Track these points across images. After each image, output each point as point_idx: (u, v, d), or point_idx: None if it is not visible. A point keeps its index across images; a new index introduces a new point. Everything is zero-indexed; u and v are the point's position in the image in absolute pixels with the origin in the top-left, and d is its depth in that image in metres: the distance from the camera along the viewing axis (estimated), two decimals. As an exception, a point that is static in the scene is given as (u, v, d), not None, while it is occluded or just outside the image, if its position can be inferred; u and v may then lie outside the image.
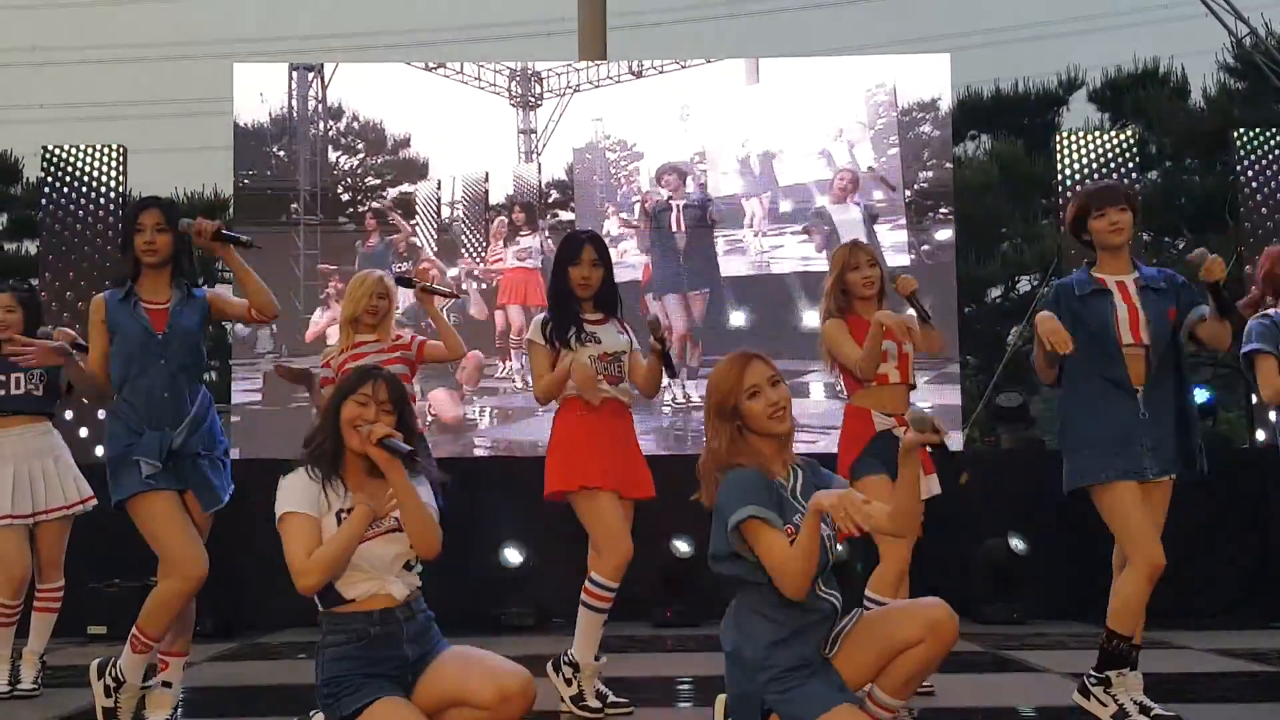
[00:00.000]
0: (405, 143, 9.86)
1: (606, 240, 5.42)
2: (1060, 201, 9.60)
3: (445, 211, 9.85)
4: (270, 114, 9.84)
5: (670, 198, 9.79)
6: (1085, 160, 9.57)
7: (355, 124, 9.92)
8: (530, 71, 10.00)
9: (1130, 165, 9.56)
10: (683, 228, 9.74)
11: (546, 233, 9.76)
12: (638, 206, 9.85)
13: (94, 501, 5.46)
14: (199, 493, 4.24)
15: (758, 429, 3.27)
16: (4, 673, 5.38)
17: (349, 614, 3.31)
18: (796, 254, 9.71)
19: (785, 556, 3.09)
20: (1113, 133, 9.94)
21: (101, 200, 9.41)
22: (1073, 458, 4.38)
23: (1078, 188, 9.50)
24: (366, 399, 3.37)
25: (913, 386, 4.97)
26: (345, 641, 3.30)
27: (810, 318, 9.34)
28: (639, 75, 10.05)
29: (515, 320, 9.53)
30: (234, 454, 9.13)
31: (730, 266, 9.75)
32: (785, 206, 9.75)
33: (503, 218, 9.83)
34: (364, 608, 3.31)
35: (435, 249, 9.79)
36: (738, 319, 9.66)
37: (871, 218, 9.65)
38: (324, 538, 3.30)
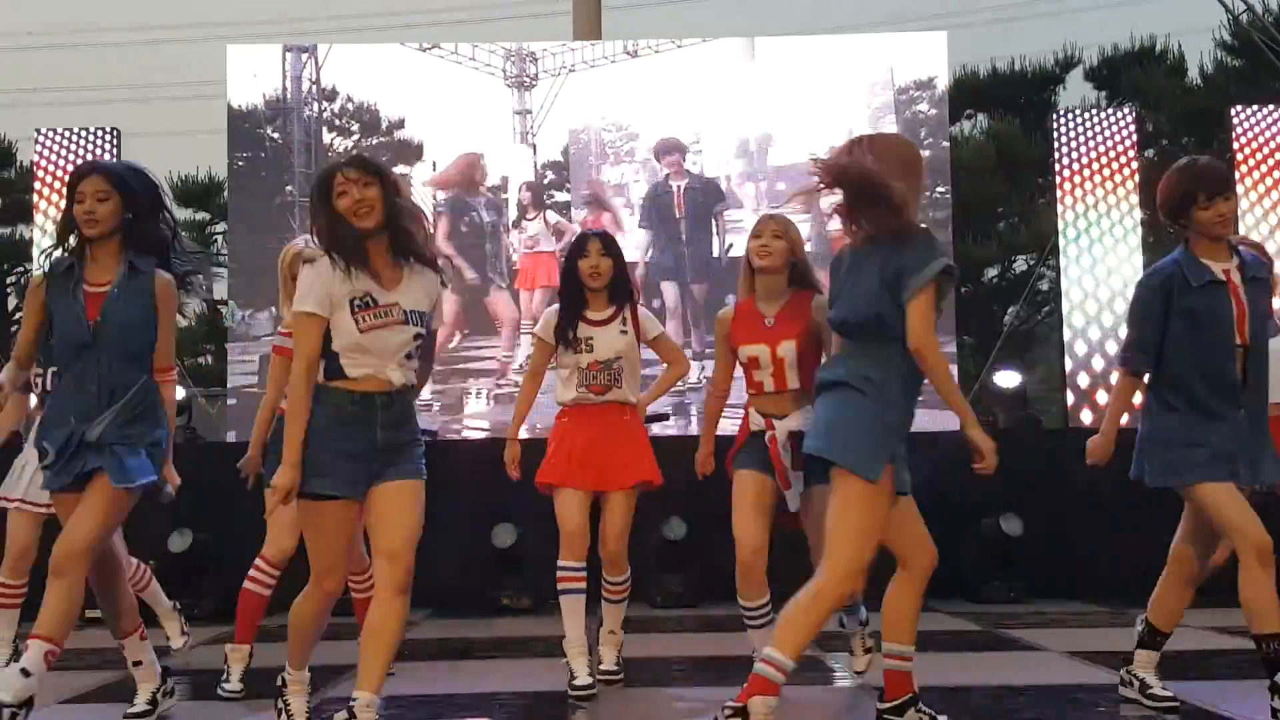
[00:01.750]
0: (400, 124, 9.82)
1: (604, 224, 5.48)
2: (1057, 180, 9.57)
3: (439, 194, 9.81)
4: (264, 96, 9.79)
5: (669, 176, 9.75)
6: (1082, 139, 9.53)
7: (349, 105, 9.87)
8: (525, 52, 9.95)
9: (1127, 144, 9.53)
10: (683, 212, 9.70)
11: (544, 214, 9.73)
12: (634, 187, 9.81)
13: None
14: (109, 470, 3.87)
15: None
16: (4, 656, 5.39)
17: (337, 389, 3.52)
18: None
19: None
20: (1109, 111, 9.91)
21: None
22: (1162, 452, 4.08)
23: (1074, 166, 9.48)
24: (346, 184, 3.50)
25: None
26: (324, 415, 3.50)
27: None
28: (634, 55, 10.00)
29: (535, 304, 9.46)
30: (230, 436, 9.17)
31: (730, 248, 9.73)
32: (781, 186, 9.71)
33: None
34: (357, 387, 3.52)
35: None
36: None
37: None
38: (335, 325, 3.50)
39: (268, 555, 5.02)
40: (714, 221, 9.78)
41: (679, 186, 9.73)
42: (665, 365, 5.01)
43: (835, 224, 9.57)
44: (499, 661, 5.90)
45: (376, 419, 3.52)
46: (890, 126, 9.73)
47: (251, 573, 5.06)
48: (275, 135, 9.78)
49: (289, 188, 9.69)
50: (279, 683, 3.98)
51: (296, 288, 3.63)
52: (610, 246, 4.81)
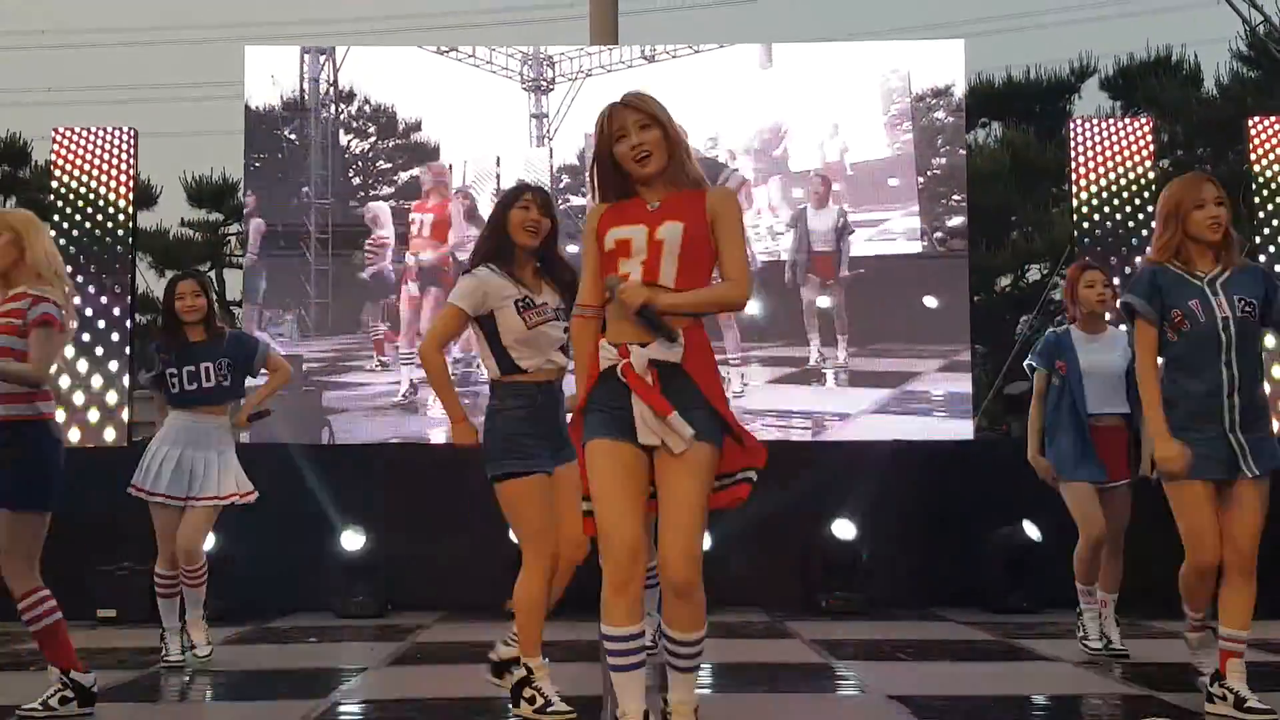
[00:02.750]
0: (416, 126, 9.82)
1: None
2: (1072, 189, 9.55)
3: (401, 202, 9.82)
4: (282, 97, 9.81)
5: None
6: (1097, 148, 9.52)
7: (367, 107, 9.89)
8: (542, 56, 9.97)
9: (1143, 154, 9.51)
10: None
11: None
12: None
13: (252, 497, 5.64)
14: None
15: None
16: (178, 643, 5.61)
17: (523, 383, 4.06)
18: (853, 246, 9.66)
19: None
20: (1125, 121, 9.89)
21: (112, 183, 9.40)
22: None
23: (1089, 175, 9.47)
24: (528, 204, 4.13)
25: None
26: (520, 406, 4.04)
27: (823, 301, 9.36)
28: (651, 60, 10.02)
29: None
30: (243, 437, 9.20)
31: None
32: (798, 193, 9.72)
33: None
34: (534, 379, 4.07)
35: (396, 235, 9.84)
36: (751, 306, 9.67)
37: (843, 227, 9.53)
38: (503, 324, 4.06)
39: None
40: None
41: None
42: None
43: (857, 216, 9.63)
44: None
45: (558, 404, 4.13)
46: (906, 134, 9.73)
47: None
48: (293, 136, 9.80)
49: (305, 189, 9.71)
50: (519, 675, 4.10)
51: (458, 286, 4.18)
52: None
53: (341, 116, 9.85)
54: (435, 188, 9.69)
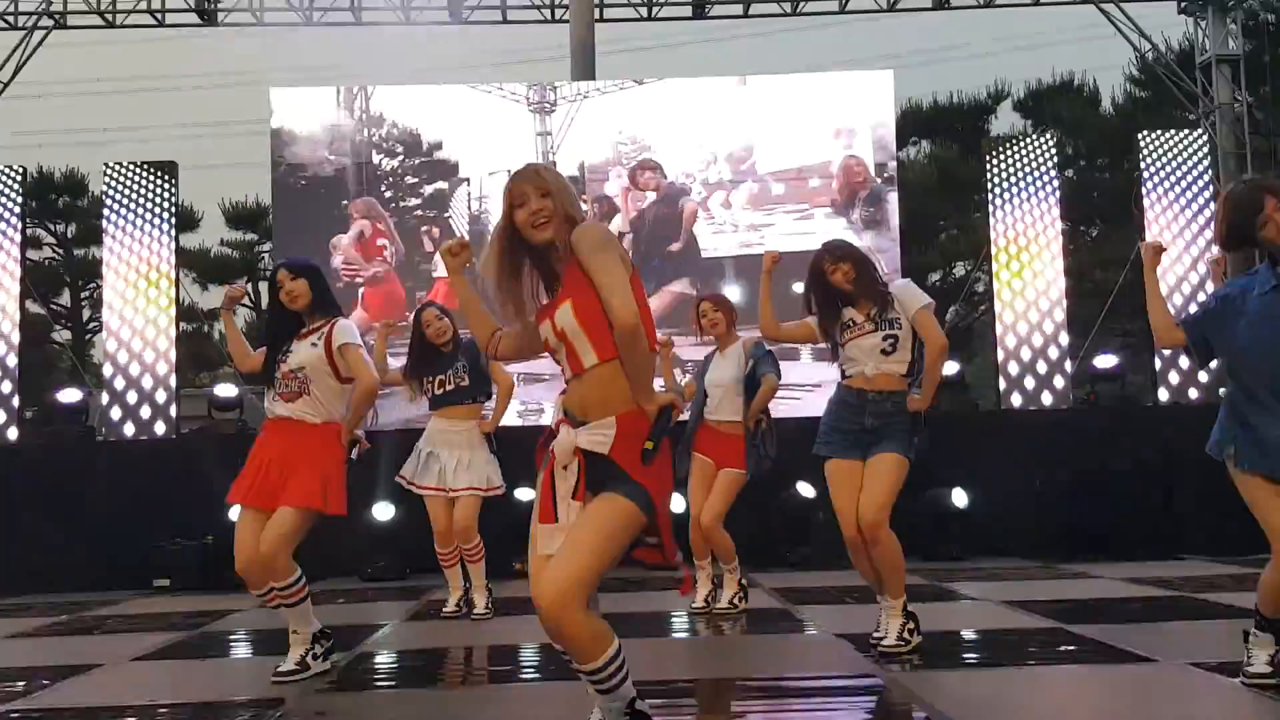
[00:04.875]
0: (438, 146, 9.93)
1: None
2: (990, 197, 9.60)
3: (475, 205, 9.92)
4: (321, 124, 9.96)
5: (639, 190, 9.97)
6: (1011, 162, 9.57)
7: (395, 130, 10.00)
8: (546, 84, 10.13)
9: (1049, 165, 9.57)
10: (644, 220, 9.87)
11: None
12: (622, 198, 9.92)
13: (500, 490, 5.62)
14: None
15: None
16: (454, 599, 5.78)
17: (845, 387, 4.33)
18: (790, 230, 9.71)
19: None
20: (1034, 137, 9.94)
21: (155, 209, 9.37)
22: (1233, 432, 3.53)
23: (1005, 185, 9.51)
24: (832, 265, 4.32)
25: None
26: (835, 402, 4.36)
27: (797, 288, 9.43)
28: (640, 83, 10.22)
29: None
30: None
31: (722, 247, 9.78)
32: (778, 190, 9.78)
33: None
34: (852, 384, 4.31)
35: (468, 237, 9.95)
36: (731, 295, 9.73)
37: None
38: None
39: None
40: (695, 226, 9.92)
41: (652, 198, 9.93)
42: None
43: (873, 238, 9.67)
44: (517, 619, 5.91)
45: (865, 408, 4.26)
46: (848, 148, 9.86)
47: None
48: (331, 158, 9.91)
49: (344, 202, 9.81)
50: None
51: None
52: (299, 269, 4.23)
53: (373, 139, 9.96)
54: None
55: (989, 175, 9.60)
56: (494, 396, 5.68)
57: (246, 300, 17.80)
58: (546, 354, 2.81)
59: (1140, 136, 9.76)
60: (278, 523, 4.05)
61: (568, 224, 2.72)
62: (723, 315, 5.52)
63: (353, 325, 4.29)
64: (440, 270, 9.76)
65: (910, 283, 4.44)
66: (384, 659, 4.66)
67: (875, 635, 4.33)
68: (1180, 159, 9.48)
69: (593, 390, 2.64)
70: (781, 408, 9.32)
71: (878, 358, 4.24)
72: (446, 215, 9.94)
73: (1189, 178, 9.47)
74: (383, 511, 7.67)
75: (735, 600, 5.50)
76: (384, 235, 9.89)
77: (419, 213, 9.87)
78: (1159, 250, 3.84)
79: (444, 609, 5.76)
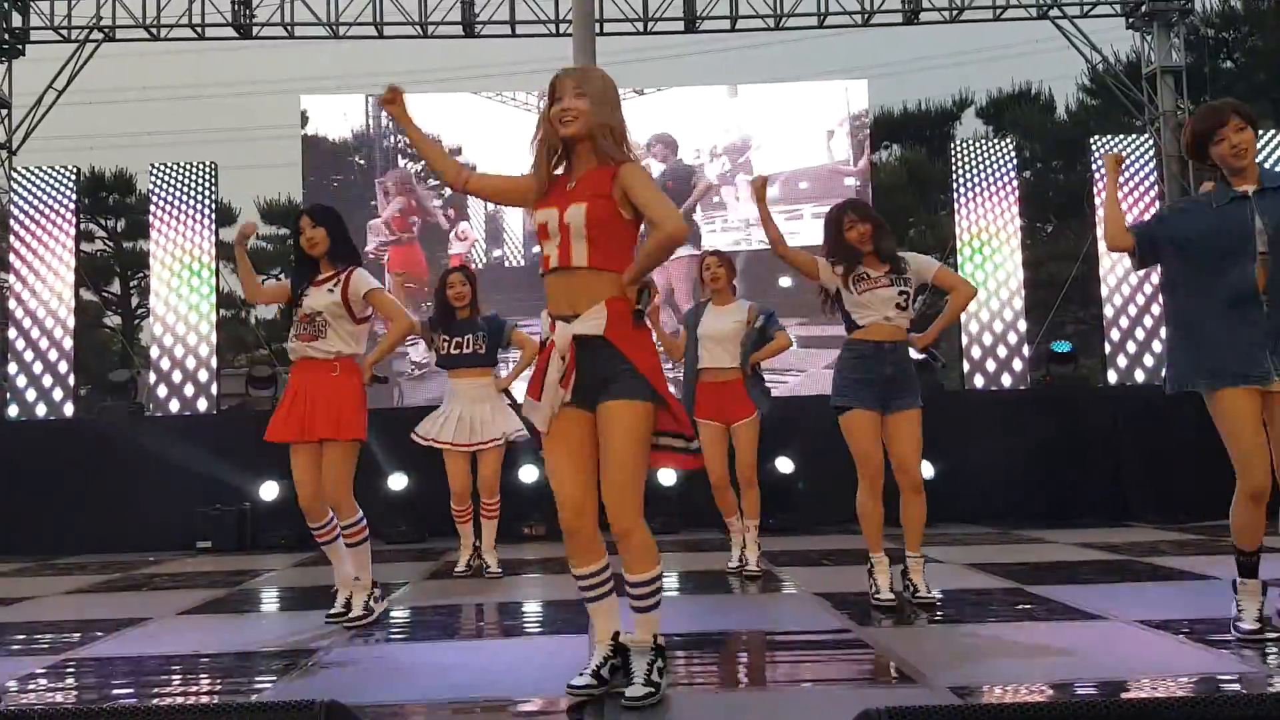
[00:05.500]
0: (458, 151, 9.91)
1: None
2: (955, 195, 9.56)
3: (490, 205, 9.91)
4: (351, 130, 9.90)
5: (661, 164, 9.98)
6: (974, 163, 9.52)
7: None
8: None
9: (1009, 167, 9.52)
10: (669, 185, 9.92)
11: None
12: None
13: (523, 434, 5.36)
14: None
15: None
16: (465, 559, 5.67)
17: (859, 340, 4.12)
18: (782, 229, 9.73)
19: None
20: (995, 141, 9.89)
21: (197, 205, 9.31)
22: (1186, 358, 3.38)
23: (968, 185, 9.47)
24: (853, 224, 4.14)
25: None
26: (851, 356, 4.11)
27: (785, 282, 9.49)
28: (641, 93, 10.15)
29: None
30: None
31: (717, 243, 9.76)
32: (773, 192, 9.75)
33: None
34: (867, 336, 4.11)
35: (485, 234, 9.92)
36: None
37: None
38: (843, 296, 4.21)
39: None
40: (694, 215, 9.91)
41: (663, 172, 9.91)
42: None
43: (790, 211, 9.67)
44: (532, 577, 5.90)
45: (885, 358, 4.08)
46: (827, 150, 9.81)
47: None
48: (361, 161, 9.87)
49: (373, 202, 9.78)
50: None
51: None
52: (318, 216, 4.17)
53: (399, 144, 9.93)
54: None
55: (954, 176, 9.57)
56: (517, 361, 5.58)
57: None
58: (515, 206, 3.15)
59: (1092, 141, 9.72)
60: (330, 463, 4.03)
61: (601, 130, 2.77)
62: (724, 271, 5.39)
63: (368, 274, 4.20)
64: (456, 247, 9.76)
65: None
66: (403, 614, 4.65)
67: (881, 595, 4.22)
68: (1128, 162, 9.44)
69: (582, 287, 2.75)
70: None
71: (895, 310, 4.15)
72: (465, 207, 9.96)
73: (1136, 179, 9.44)
74: (398, 481, 7.66)
75: (757, 562, 5.38)
76: (415, 213, 9.90)
77: (437, 203, 9.92)
78: (1119, 160, 3.78)
79: (455, 569, 5.73)
